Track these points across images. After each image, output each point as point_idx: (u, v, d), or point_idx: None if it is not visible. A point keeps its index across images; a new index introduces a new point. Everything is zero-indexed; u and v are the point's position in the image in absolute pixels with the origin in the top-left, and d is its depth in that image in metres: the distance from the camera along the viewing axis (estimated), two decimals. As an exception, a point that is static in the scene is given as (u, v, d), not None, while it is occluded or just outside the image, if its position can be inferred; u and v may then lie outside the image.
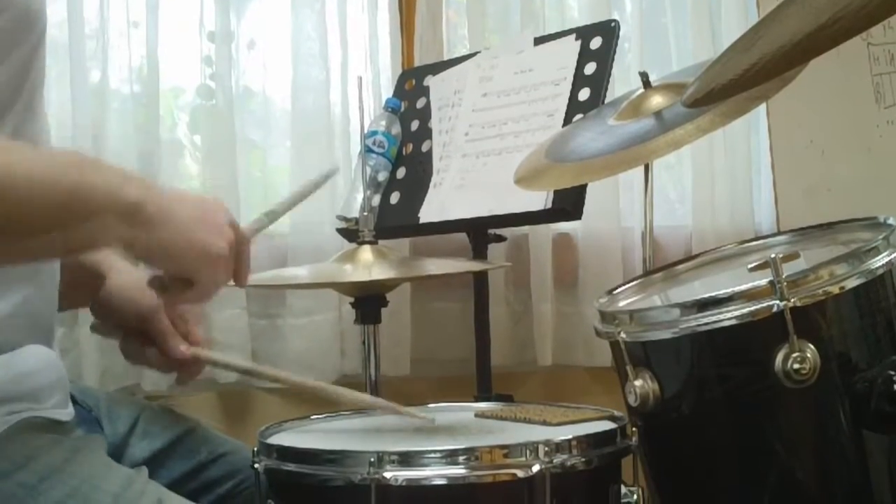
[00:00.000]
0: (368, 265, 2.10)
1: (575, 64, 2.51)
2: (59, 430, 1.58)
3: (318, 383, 1.92)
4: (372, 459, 1.51)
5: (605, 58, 2.48)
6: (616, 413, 1.80)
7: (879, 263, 1.67)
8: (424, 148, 2.70)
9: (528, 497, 1.53)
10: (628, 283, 2.09)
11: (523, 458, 1.53)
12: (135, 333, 1.85)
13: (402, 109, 2.78)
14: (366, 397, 1.96)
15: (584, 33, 2.56)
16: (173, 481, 1.78)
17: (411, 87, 2.84)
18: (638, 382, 1.77)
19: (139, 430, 1.86)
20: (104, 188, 1.43)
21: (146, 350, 1.85)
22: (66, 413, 1.62)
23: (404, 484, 1.51)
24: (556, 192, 2.34)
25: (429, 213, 2.56)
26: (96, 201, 1.41)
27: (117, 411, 1.86)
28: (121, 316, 1.86)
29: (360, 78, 2.31)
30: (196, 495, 1.73)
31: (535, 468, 1.52)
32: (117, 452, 1.77)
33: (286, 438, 1.77)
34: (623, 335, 1.78)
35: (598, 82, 2.46)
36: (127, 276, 1.86)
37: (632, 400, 1.78)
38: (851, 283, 1.66)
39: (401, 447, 1.60)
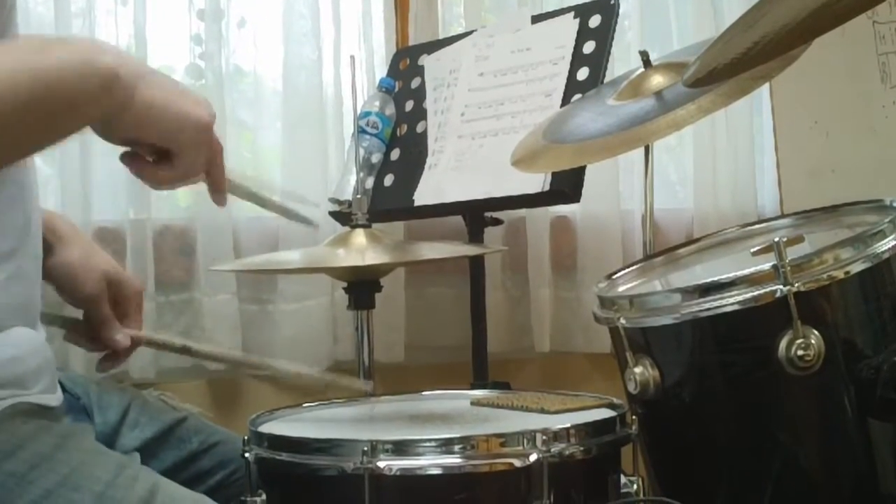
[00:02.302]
0: (362, 249, 2.09)
1: (573, 42, 2.50)
2: (48, 415, 1.58)
3: (254, 357, 1.90)
4: (365, 448, 1.51)
5: (604, 36, 2.48)
6: (615, 401, 1.80)
7: (885, 247, 1.67)
8: (419, 129, 2.69)
9: (525, 487, 1.53)
10: (628, 267, 2.09)
11: (520, 447, 1.53)
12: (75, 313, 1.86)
13: (397, 89, 2.77)
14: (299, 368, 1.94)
15: (582, 11, 2.55)
16: (164, 471, 1.78)
17: (406, 67, 2.84)
18: (638, 369, 1.77)
19: (130, 420, 1.86)
20: (76, 60, 1.41)
21: (82, 331, 1.87)
22: (55, 398, 1.62)
23: (398, 473, 1.51)
24: (554, 173, 2.33)
25: (424, 195, 2.55)
26: (69, 76, 1.40)
27: (107, 400, 1.86)
28: (62, 295, 1.86)
29: (353, 57, 2.30)
30: (187, 485, 1.72)
31: (533, 457, 1.52)
32: (108, 442, 1.77)
33: (277, 427, 1.77)
34: (623, 321, 1.78)
35: (597, 61, 2.45)
36: (73, 251, 1.86)
37: (632, 387, 1.78)
38: (857, 268, 1.66)
39: (395, 436, 1.60)
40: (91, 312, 1.86)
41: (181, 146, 1.53)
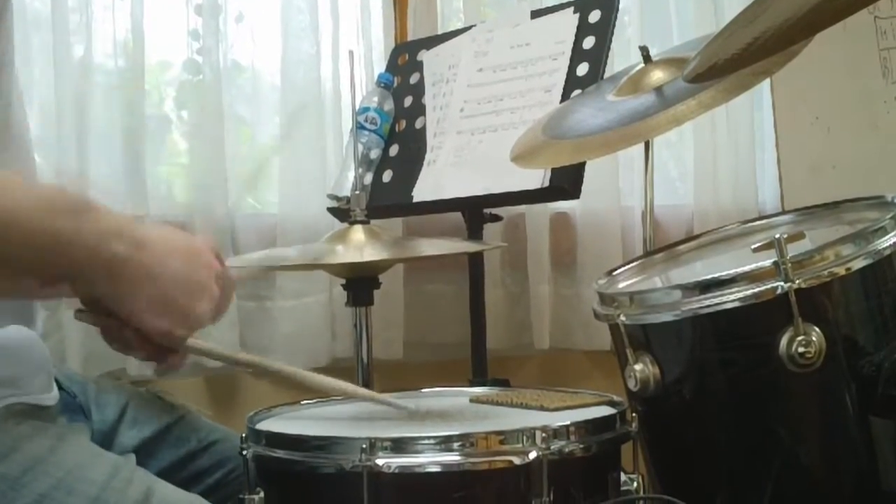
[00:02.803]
0: (360, 246, 2.09)
1: (573, 38, 2.50)
2: (43, 415, 1.57)
3: (301, 371, 1.89)
4: (364, 446, 1.51)
5: (604, 31, 2.48)
6: (615, 398, 1.80)
7: (887, 244, 1.67)
8: (418, 125, 2.69)
9: (524, 484, 1.53)
10: (628, 263, 2.09)
11: (520, 445, 1.53)
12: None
13: (395, 85, 2.77)
14: (347, 386, 1.94)
15: (582, 6, 2.55)
16: (162, 470, 1.78)
17: (404, 62, 2.84)
18: (638, 366, 1.77)
19: (128, 418, 1.86)
20: (91, 239, 1.41)
21: (128, 335, 1.85)
22: (51, 397, 1.61)
23: (397, 471, 1.51)
24: (553, 170, 2.33)
25: (423, 191, 2.55)
26: (80, 252, 1.40)
27: (105, 398, 1.85)
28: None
29: (352, 52, 2.31)
30: (186, 484, 1.73)
31: (532, 455, 1.52)
32: (106, 440, 1.77)
33: (275, 424, 1.76)
34: (623, 318, 1.78)
35: (597, 57, 2.45)
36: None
37: (632, 384, 1.78)
38: (858, 264, 1.65)
39: (393, 433, 1.60)
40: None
41: (175, 336, 1.56)
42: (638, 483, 1.69)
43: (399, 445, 1.53)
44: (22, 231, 1.35)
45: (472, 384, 2.41)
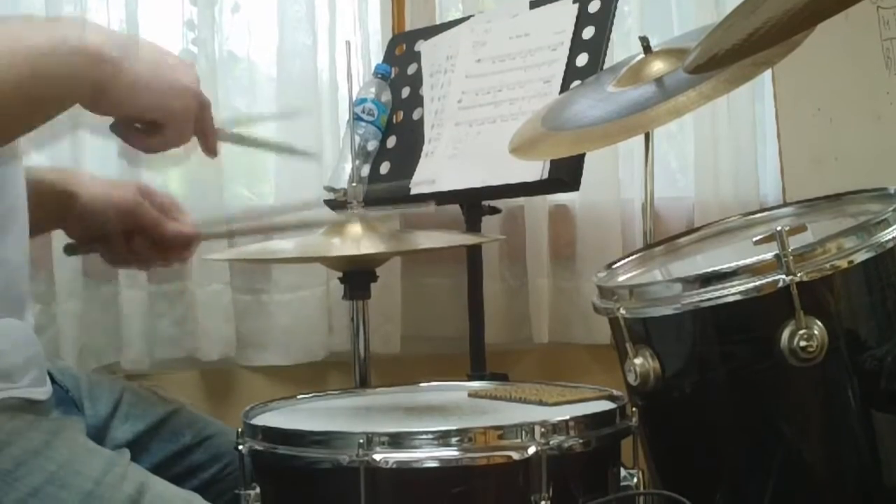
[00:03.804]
0: (357, 238, 2.08)
1: (572, 28, 2.50)
2: (36, 410, 1.57)
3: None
4: (361, 441, 1.51)
5: (603, 21, 2.47)
6: (615, 392, 1.80)
7: (889, 236, 1.67)
8: (415, 116, 2.69)
9: (523, 480, 1.53)
10: (628, 256, 2.09)
11: (519, 440, 1.54)
12: (117, 236, 1.87)
13: (393, 76, 2.77)
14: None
15: (581, -4, 2.55)
16: (156, 465, 1.78)
17: (402, 53, 2.83)
18: (638, 360, 1.77)
19: (121, 413, 1.86)
20: (61, 40, 1.44)
21: (133, 244, 1.88)
22: (44, 391, 1.61)
23: (395, 466, 1.52)
24: (552, 161, 2.33)
25: (420, 183, 2.55)
26: (56, 57, 1.43)
27: (98, 391, 1.86)
28: (104, 220, 1.87)
29: (349, 43, 2.30)
30: (180, 480, 1.73)
31: (531, 450, 1.52)
32: (99, 435, 1.77)
33: (272, 419, 1.77)
34: (623, 311, 1.78)
35: (597, 47, 2.45)
36: (99, 184, 1.92)
37: (632, 379, 1.78)
38: (860, 257, 1.66)
39: (391, 428, 1.60)
40: (138, 217, 1.90)
41: (169, 117, 1.58)
42: (638, 478, 1.69)
43: (397, 440, 1.54)
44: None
45: (470, 378, 2.41)
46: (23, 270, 1.65)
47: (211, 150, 1.72)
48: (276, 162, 2.87)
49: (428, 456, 1.53)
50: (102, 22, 2.69)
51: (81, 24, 1.49)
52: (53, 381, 1.71)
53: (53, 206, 1.85)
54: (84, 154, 2.64)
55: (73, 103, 1.51)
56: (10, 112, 1.41)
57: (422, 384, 2.07)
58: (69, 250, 1.99)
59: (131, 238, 1.89)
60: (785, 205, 2.26)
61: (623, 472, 1.70)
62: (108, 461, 1.55)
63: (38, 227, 1.75)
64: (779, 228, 1.62)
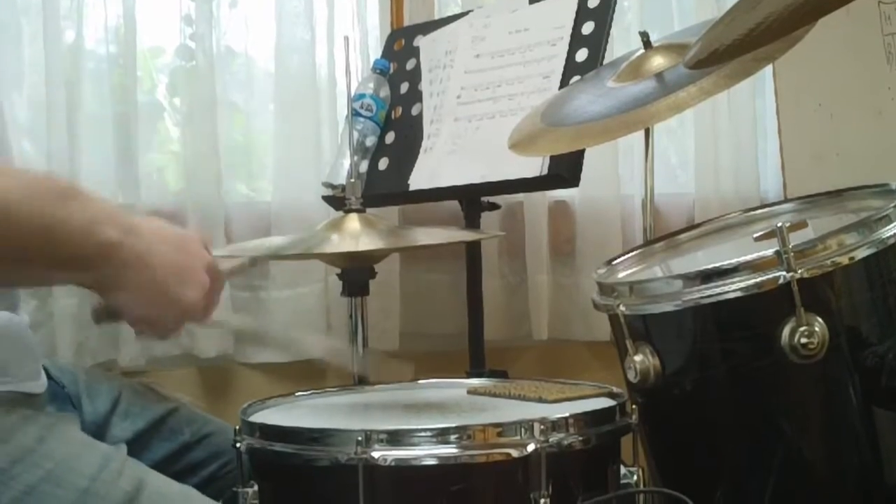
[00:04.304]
0: (356, 234, 2.08)
1: (572, 23, 2.49)
2: (31, 404, 1.57)
3: None
4: (359, 438, 1.51)
5: (603, 17, 2.47)
6: (615, 389, 1.80)
7: (891, 232, 1.67)
8: (414, 111, 2.69)
9: (522, 477, 1.53)
10: (628, 253, 2.09)
11: (518, 437, 1.53)
12: None
13: (391, 71, 2.77)
14: None
15: (581, -9, 2.54)
16: (155, 463, 1.78)
17: (401, 48, 2.83)
18: (638, 357, 1.76)
19: (120, 410, 1.86)
20: (81, 225, 1.41)
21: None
22: (39, 385, 1.61)
23: (393, 464, 1.51)
24: (552, 157, 2.33)
25: (419, 179, 2.55)
26: (71, 238, 1.41)
27: (97, 389, 1.85)
28: None
29: (347, 38, 2.29)
30: (179, 477, 1.73)
31: (531, 447, 1.52)
32: (98, 432, 1.77)
33: (270, 416, 1.77)
34: (622, 308, 1.78)
35: (597, 42, 2.45)
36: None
37: (631, 376, 1.78)
38: (861, 254, 1.65)
39: (389, 425, 1.60)
40: None
41: (165, 325, 1.58)
42: (638, 476, 1.69)
43: (395, 438, 1.53)
44: (10, 217, 1.35)
45: (469, 375, 2.41)
46: None
47: (204, 323, 1.71)
48: (275, 159, 2.87)
49: (427, 453, 1.53)
50: (100, 17, 2.69)
51: (108, 212, 1.46)
52: (50, 377, 1.71)
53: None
54: (81, 149, 2.63)
55: (72, 281, 1.51)
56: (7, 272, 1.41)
57: (421, 381, 2.07)
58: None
59: None
60: (786, 201, 2.27)
61: (623, 470, 1.70)
62: (105, 457, 1.55)
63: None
64: (779, 225, 1.62)
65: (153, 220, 1.57)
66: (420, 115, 2.66)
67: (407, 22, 3.00)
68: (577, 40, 2.47)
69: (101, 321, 1.87)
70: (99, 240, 1.42)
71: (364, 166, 2.65)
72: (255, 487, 1.66)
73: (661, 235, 2.17)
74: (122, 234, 1.45)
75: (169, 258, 1.52)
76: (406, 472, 1.54)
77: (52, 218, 1.38)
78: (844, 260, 1.64)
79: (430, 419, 1.74)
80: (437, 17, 2.98)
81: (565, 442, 1.56)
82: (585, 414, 1.63)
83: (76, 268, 1.44)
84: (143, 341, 2.18)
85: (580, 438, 1.59)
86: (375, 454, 1.50)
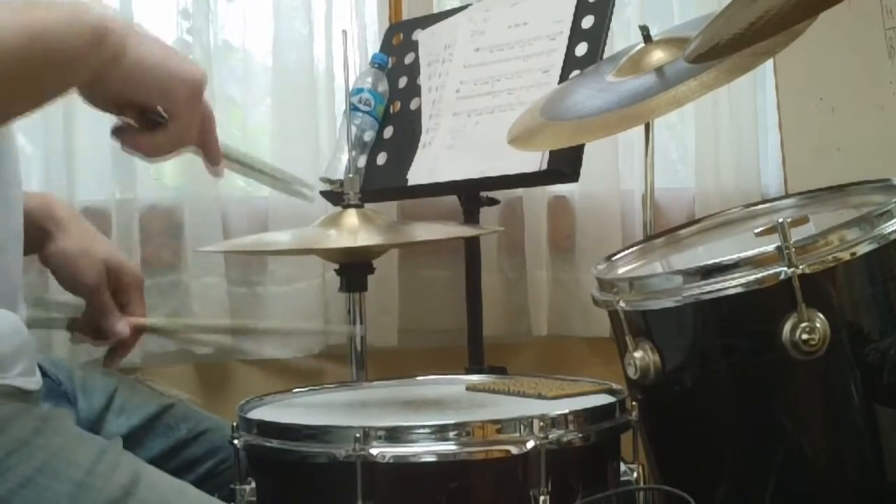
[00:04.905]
0: (354, 230, 2.08)
1: (572, 17, 2.49)
2: (25, 399, 1.57)
3: (248, 323, 1.90)
4: (357, 435, 1.51)
5: (603, 11, 2.47)
6: (615, 386, 1.80)
7: (892, 228, 1.66)
8: (413, 106, 2.69)
9: (522, 474, 1.53)
10: (628, 248, 2.08)
11: (517, 434, 1.53)
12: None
13: (390, 65, 2.76)
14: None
15: (581, -16, 2.54)
16: (151, 460, 1.77)
17: (399, 42, 2.83)
18: (638, 354, 1.76)
19: (116, 406, 1.86)
20: (65, 15, 1.39)
21: (78, 323, 1.86)
22: (34, 381, 1.61)
23: (391, 461, 1.51)
24: (551, 152, 2.33)
25: (418, 174, 2.55)
26: (59, 30, 1.37)
27: (92, 385, 1.85)
28: (61, 282, 1.85)
29: (345, 32, 2.30)
30: (175, 474, 1.72)
31: (530, 444, 1.52)
32: (93, 428, 1.77)
33: (267, 413, 1.77)
34: (622, 304, 1.78)
35: (596, 36, 2.45)
36: (73, 239, 1.84)
37: (631, 372, 1.78)
38: (863, 249, 1.65)
39: (388, 422, 1.60)
40: (91, 302, 1.85)
41: (175, 105, 1.50)
42: (638, 473, 1.69)
43: (394, 435, 1.53)
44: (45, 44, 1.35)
45: (468, 372, 2.41)
46: (17, 261, 1.64)
47: (215, 161, 1.67)
48: (272, 154, 2.87)
49: (425, 450, 1.53)
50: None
51: (84, 2, 1.44)
52: (45, 374, 1.71)
53: (27, 235, 1.82)
54: (77, 144, 2.63)
55: (75, 81, 1.46)
56: (9, 89, 1.38)
57: (419, 377, 2.07)
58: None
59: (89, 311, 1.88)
60: (787, 196, 2.26)
61: (623, 467, 1.70)
62: (100, 449, 1.54)
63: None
64: (780, 220, 1.61)
65: None
66: (419, 110, 2.66)
67: (405, 16, 2.99)
68: (576, 34, 2.47)
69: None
70: (86, 21, 1.39)
71: (362, 161, 2.65)
72: (253, 484, 1.66)
73: (661, 231, 2.17)
74: (107, 14, 1.44)
75: (157, 40, 1.50)
76: (404, 469, 1.54)
77: (32, 18, 1.35)
78: (846, 256, 1.64)
79: (428, 416, 1.73)
80: (435, 10, 2.98)
81: (565, 439, 1.56)
82: (585, 410, 1.63)
83: (72, 61, 1.40)
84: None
85: (580, 435, 1.59)
86: (374, 451, 1.50)
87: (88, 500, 1.47)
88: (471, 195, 2.56)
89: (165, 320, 2.09)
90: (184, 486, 1.61)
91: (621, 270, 2.02)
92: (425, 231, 2.28)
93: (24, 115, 1.51)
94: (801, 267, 1.60)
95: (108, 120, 2.58)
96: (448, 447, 1.53)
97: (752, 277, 1.64)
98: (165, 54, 1.48)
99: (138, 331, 1.89)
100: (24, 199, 1.71)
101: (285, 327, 1.89)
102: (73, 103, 2.62)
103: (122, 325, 1.84)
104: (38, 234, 1.81)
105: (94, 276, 1.82)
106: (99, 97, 1.48)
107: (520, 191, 2.99)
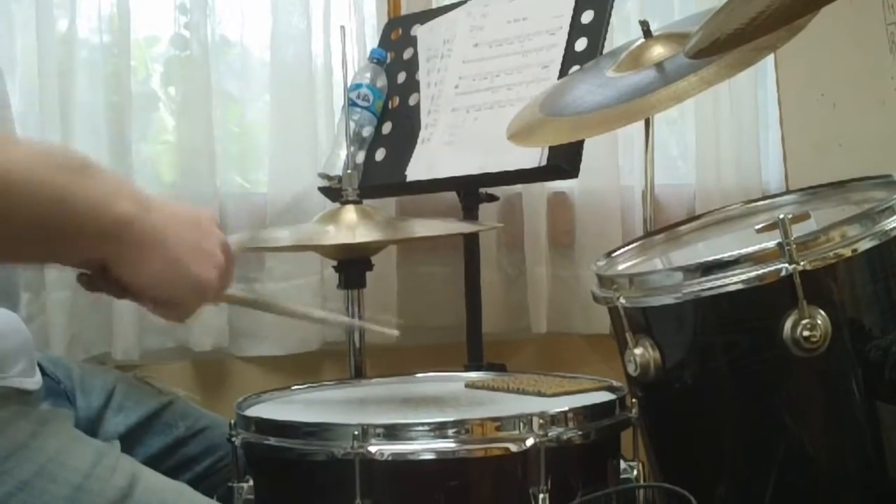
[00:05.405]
0: (352, 226, 2.09)
1: (571, 12, 2.49)
2: (25, 400, 1.57)
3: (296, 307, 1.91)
4: (356, 433, 1.51)
5: (603, 5, 2.47)
6: (615, 383, 1.80)
7: (894, 224, 1.66)
8: (412, 101, 2.68)
9: (521, 472, 1.53)
10: (628, 245, 2.09)
11: (517, 432, 1.53)
12: None
13: (388, 61, 2.76)
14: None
15: (580, -21, 2.54)
16: (150, 457, 1.78)
17: (398, 37, 2.83)
18: (638, 351, 1.76)
19: (114, 404, 1.86)
20: (96, 197, 1.36)
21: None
22: (33, 382, 1.61)
23: (390, 459, 1.51)
24: (551, 148, 2.32)
25: (416, 170, 2.54)
26: (86, 210, 1.35)
27: (91, 382, 1.86)
28: None
29: (344, 27, 2.29)
30: (174, 472, 1.73)
31: (530, 442, 1.52)
32: (92, 427, 1.77)
33: (265, 410, 1.77)
34: (622, 300, 1.78)
35: (596, 32, 2.44)
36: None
37: (631, 369, 1.78)
38: (864, 246, 1.65)
39: (386, 419, 1.60)
40: None
41: (184, 306, 1.50)
42: (638, 471, 1.69)
43: (392, 432, 1.54)
44: (21, 187, 1.30)
45: (467, 369, 2.41)
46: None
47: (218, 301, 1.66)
48: (270, 149, 2.86)
49: (424, 448, 1.53)
50: (94, 6, 2.68)
51: (121, 186, 1.40)
52: (44, 372, 1.71)
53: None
54: (74, 139, 2.63)
55: (78, 260, 1.45)
56: (12, 244, 1.36)
57: (418, 375, 2.07)
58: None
59: None
60: (787, 192, 2.26)
61: (623, 465, 1.71)
62: (98, 452, 1.55)
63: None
64: (781, 216, 1.62)
65: (165, 199, 1.53)
66: (417, 106, 2.65)
67: (404, 11, 2.99)
68: (576, 29, 2.47)
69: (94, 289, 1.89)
70: (114, 213, 1.35)
71: (361, 157, 2.64)
72: (251, 482, 1.66)
73: (661, 227, 2.17)
74: (138, 209, 1.39)
75: (184, 235, 1.46)
76: (403, 467, 1.54)
77: (64, 190, 1.32)
78: (847, 252, 1.64)
79: (427, 413, 1.73)
80: (434, 5, 2.98)
81: (564, 436, 1.56)
82: (585, 408, 1.63)
83: (90, 243, 1.38)
84: (146, 331, 2.16)
85: (579, 433, 1.59)
86: (372, 448, 1.50)
87: (86, 503, 1.48)
88: (470, 191, 2.56)
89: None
90: (181, 487, 1.61)
91: (621, 267, 2.02)
92: (424, 227, 2.27)
93: (11, 265, 1.51)
94: (802, 263, 1.60)
95: (105, 113, 2.58)
96: (447, 445, 1.53)
97: (752, 274, 1.64)
98: (183, 255, 1.45)
99: None
100: None
101: (312, 312, 1.89)
102: (70, 102, 2.63)
103: None
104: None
105: None
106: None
107: (519, 187, 2.99)
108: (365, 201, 2.18)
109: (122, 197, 1.37)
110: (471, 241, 2.64)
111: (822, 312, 1.61)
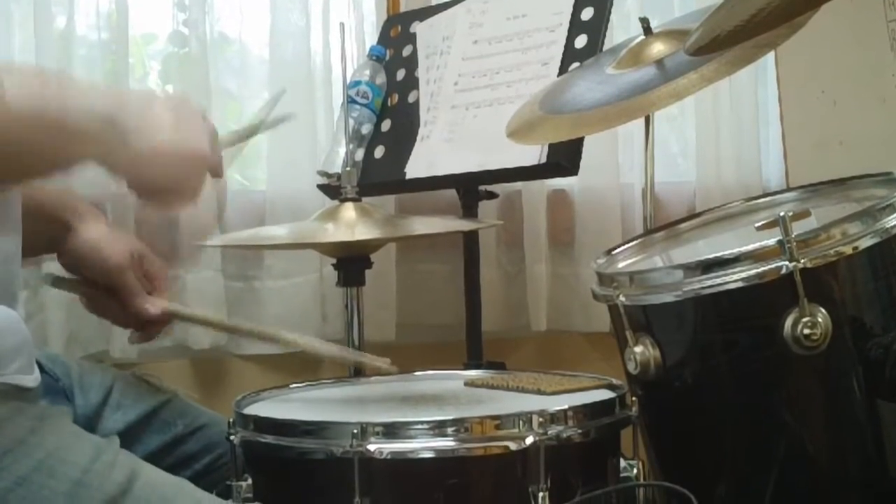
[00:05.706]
0: (351, 224, 2.08)
1: (571, 9, 2.49)
2: (24, 397, 1.57)
3: (294, 336, 1.92)
4: (355, 431, 1.51)
5: (602, 2, 2.47)
6: (615, 381, 1.80)
7: (895, 222, 1.66)
8: (411, 99, 2.68)
9: (521, 471, 1.53)
10: (628, 242, 2.08)
11: (516, 430, 1.53)
12: (100, 287, 1.86)
13: (388, 58, 2.76)
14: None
15: (580, -24, 2.54)
16: (148, 455, 1.78)
17: (397, 34, 2.83)
18: (638, 349, 1.76)
19: (113, 402, 1.86)
20: (76, 106, 1.40)
21: (110, 304, 1.86)
22: (32, 379, 1.61)
23: (389, 457, 1.51)
24: (550, 145, 2.33)
25: (416, 168, 2.54)
26: (70, 122, 1.39)
27: (89, 380, 1.86)
28: (88, 269, 1.86)
29: (343, 24, 2.29)
30: (172, 470, 1.72)
31: (529, 440, 1.52)
32: (90, 424, 1.77)
33: (264, 408, 1.77)
34: (622, 298, 1.78)
35: (596, 29, 2.44)
36: (96, 228, 1.87)
37: (631, 367, 1.78)
38: (865, 243, 1.65)
39: (386, 418, 1.60)
40: (120, 282, 1.87)
41: (188, 182, 1.53)
42: (638, 469, 1.69)
43: (391, 430, 1.53)
44: (19, 116, 1.34)
45: (466, 367, 2.41)
46: (16, 259, 1.64)
47: (220, 175, 1.68)
48: (269, 147, 2.86)
49: (423, 446, 1.53)
50: (91, 4, 2.68)
51: (96, 90, 1.45)
52: (43, 370, 1.71)
53: (45, 231, 1.83)
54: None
55: (76, 164, 1.48)
56: (8, 157, 1.39)
57: (417, 373, 2.07)
58: (54, 282, 1.99)
59: (111, 295, 1.89)
60: (788, 189, 2.27)
61: (623, 463, 1.70)
62: (97, 448, 1.55)
63: (31, 249, 1.73)
64: (782, 214, 1.61)
65: (141, 91, 1.58)
66: (417, 103, 2.65)
67: (403, 8, 2.99)
68: (576, 26, 2.47)
69: (58, 286, 1.97)
70: (96, 115, 1.41)
71: (360, 154, 2.64)
72: (249, 480, 1.66)
73: (661, 225, 2.17)
74: (116, 103, 1.45)
75: (167, 114, 1.49)
76: (402, 466, 1.54)
77: (47, 107, 1.37)
78: (848, 250, 1.64)
79: (426, 411, 1.73)
80: (433, 2, 2.97)
81: (564, 434, 1.56)
82: (585, 406, 1.63)
83: (81, 149, 1.42)
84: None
85: (579, 431, 1.59)
86: (371, 447, 1.50)
87: (86, 499, 1.48)
88: (469, 189, 2.56)
89: (192, 311, 2.11)
90: (181, 482, 1.61)
91: (621, 265, 2.01)
92: (423, 225, 2.27)
93: (26, 184, 1.53)
94: (802, 261, 1.60)
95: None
96: (446, 443, 1.53)
97: (753, 272, 1.64)
98: (168, 132, 1.48)
99: (167, 315, 1.91)
100: (41, 195, 1.73)
101: (313, 346, 1.91)
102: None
103: (151, 305, 1.87)
104: (58, 228, 1.84)
105: (122, 257, 1.86)
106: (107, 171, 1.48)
107: (519, 184, 2.99)
108: (364, 199, 2.18)
109: (101, 97, 1.44)
110: (470, 238, 2.64)
111: (823, 310, 1.61)
